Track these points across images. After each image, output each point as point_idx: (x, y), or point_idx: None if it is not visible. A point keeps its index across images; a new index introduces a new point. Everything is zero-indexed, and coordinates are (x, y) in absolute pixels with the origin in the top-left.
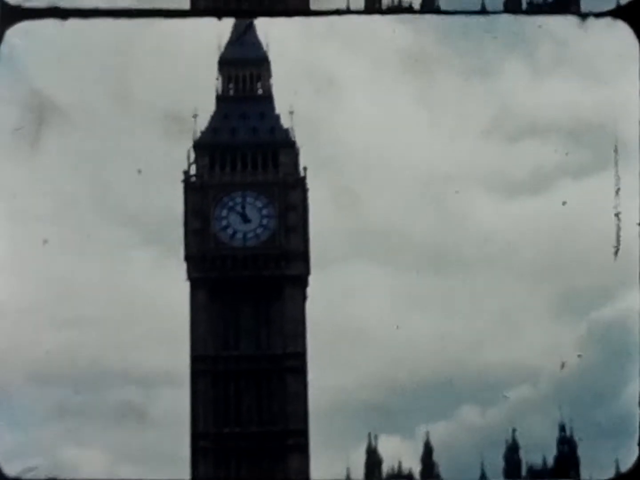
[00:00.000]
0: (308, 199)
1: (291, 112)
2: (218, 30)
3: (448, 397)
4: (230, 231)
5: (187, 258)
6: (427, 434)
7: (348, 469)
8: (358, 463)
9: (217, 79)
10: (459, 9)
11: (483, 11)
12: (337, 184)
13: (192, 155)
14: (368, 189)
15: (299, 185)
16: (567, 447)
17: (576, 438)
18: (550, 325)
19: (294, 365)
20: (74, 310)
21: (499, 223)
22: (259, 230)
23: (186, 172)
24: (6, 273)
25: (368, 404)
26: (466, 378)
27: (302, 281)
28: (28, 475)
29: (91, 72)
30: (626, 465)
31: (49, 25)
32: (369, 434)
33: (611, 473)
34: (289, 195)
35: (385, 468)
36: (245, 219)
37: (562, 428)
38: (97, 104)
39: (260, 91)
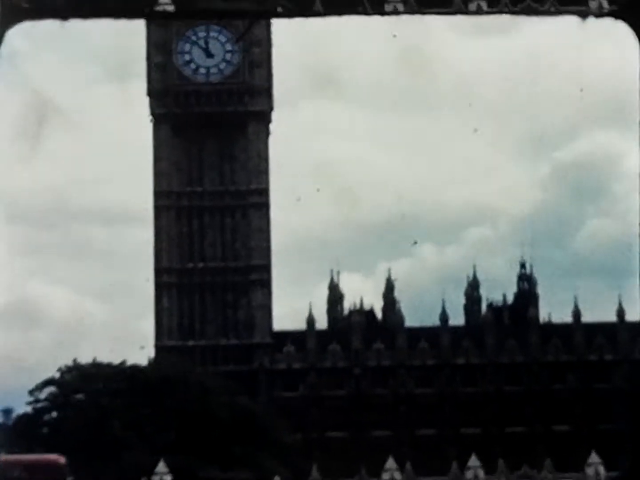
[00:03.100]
0: (272, 34)
1: None
2: None
3: (409, 236)
4: (193, 66)
5: (150, 93)
6: (389, 270)
7: (310, 304)
8: (320, 299)
9: None
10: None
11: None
12: (302, 21)
13: None
14: (336, 23)
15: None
16: (526, 284)
17: (536, 275)
18: (513, 167)
19: (257, 201)
20: (37, 148)
21: (466, 65)
22: (222, 66)
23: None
24: None
25: (330, 241)
26: (427, 217)
27: (265, 117)
28: None
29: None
30: (586, 304)
31: (49, 25)
32: (331, 271)
33: (569, 310)
34: (253, 30)
35: (347, 304)
36: (209, 54)
37: (523, 265)
38: None
39: None
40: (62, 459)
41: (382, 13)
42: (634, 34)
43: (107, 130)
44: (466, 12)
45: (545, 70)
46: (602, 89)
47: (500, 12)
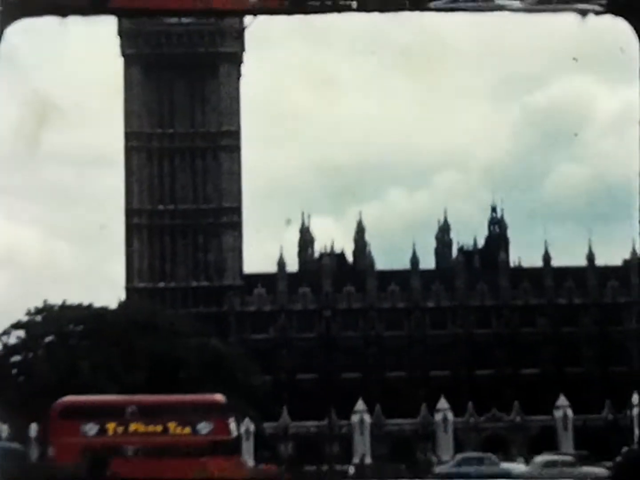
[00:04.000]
0: None
1: None
2: None
3: (378, 180)
4: None
5: (121, 34)
6: (360, 214)
7: (281, 247)
8: (291, 242)
9: None
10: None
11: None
12: None
13: None
14: None
15: None
16: (497, 228)
17: (506, 220)
18: (484, 111)
19: (228, 143)
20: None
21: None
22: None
23: None
24: None
25: (301, 185)
26: (397, 162)
27: (237, 59)
28: None
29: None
30: (556, 248)
31: (49, 22)
32: (302, 214)
33: (539, 254)
34: None
35: (318, 247)
36: None
37: (493, 210)
38: None
39: None
40: (222, 398)
41: None
42: (634, 31)
43: (77, 70)
44: (464, 9)
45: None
46: (573, 35)
47: (500, 9)
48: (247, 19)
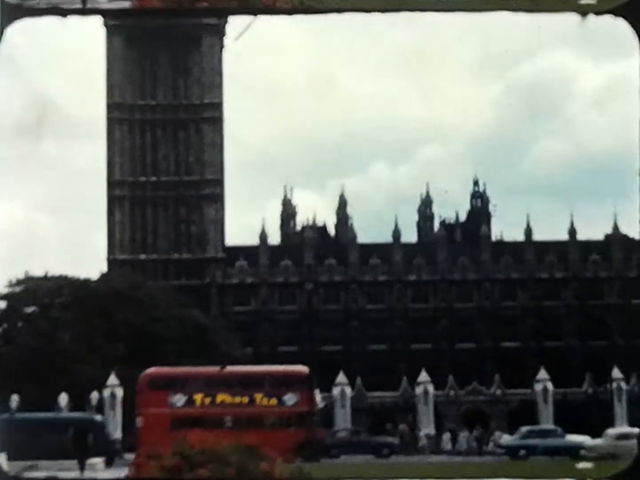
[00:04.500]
0: None
1: None
2: None
3: (361, 153)
4: None
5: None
6: (342, 187)
7: (263, 220)
8: (273, 214)
9: None
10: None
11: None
12: None
13: None
14: None
15: None
16: (479, 202)
17: (488, 194)
18: (467, 86)
19: (211, 115)
20: None
21: None
22: None
23: None
24: None
25: (284, 157)
26: (380, 135)
27: (220, 31)
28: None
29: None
30: (538, 222)
31: (49, 23)
32: (285, 187)
33: (521, 228)
34: None
35: (300, 219)
36: None
37: (476, 183)
38: None
39: None
40: (307, 370)
41: None
42: (634, 32)
43: (59, 40)
44: (463, 9)
45: None
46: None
47: (500, 8)
48: (248, 19)
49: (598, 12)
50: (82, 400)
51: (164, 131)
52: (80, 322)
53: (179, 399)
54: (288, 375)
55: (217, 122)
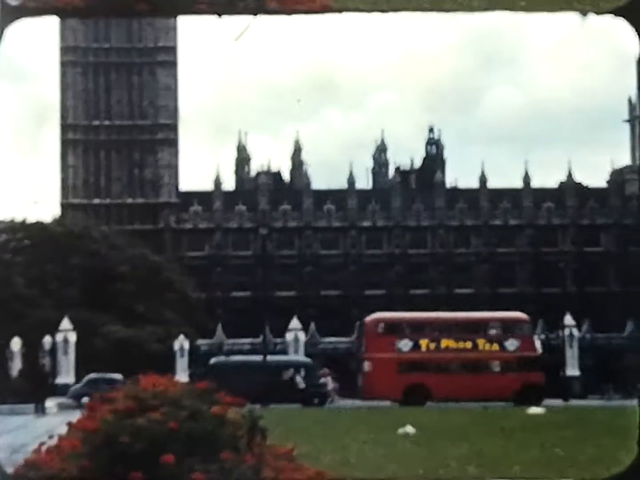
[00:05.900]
0: None
1: None
2: None
3: (317, 100)
4: None
5: None
6: (297, 133)
7: (218, 165)
8: (228, 160)
9: None
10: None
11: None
12: None
13: None
14: None
15: None
16: (434, 149)
17: (443, 141)
18: (421, 32)
19: (165, 59)
20: None
21: None
22: None
23: None
24: None
25: (239, 103)
26: (334, 81)
27: None
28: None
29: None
30: (492, 170)
31: (49, 23)
32: (239, 132)
33: (476, 176)
34: None
35: (255, 165)
36: None
37: (431, 130)
38: None
39: None
40: (527, 317)
41: None
42: (635, 32)
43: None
44: (462, 9)
45: None
46: None
47: (500, 8)
48: (247, 19)
49: (598, 12)
50: (35, 344)
51: (118, 74)
52: (34, 265)
53: (406, 344)
54: (509, 321)
55: (171, 65)
